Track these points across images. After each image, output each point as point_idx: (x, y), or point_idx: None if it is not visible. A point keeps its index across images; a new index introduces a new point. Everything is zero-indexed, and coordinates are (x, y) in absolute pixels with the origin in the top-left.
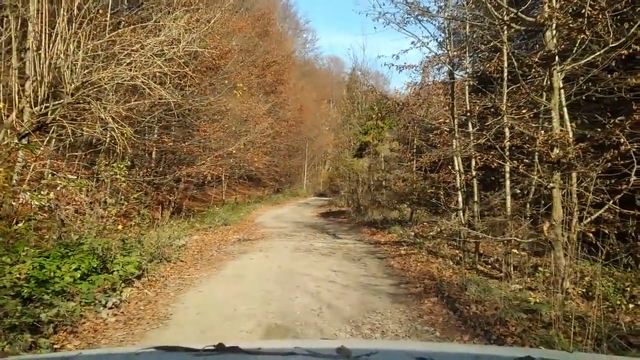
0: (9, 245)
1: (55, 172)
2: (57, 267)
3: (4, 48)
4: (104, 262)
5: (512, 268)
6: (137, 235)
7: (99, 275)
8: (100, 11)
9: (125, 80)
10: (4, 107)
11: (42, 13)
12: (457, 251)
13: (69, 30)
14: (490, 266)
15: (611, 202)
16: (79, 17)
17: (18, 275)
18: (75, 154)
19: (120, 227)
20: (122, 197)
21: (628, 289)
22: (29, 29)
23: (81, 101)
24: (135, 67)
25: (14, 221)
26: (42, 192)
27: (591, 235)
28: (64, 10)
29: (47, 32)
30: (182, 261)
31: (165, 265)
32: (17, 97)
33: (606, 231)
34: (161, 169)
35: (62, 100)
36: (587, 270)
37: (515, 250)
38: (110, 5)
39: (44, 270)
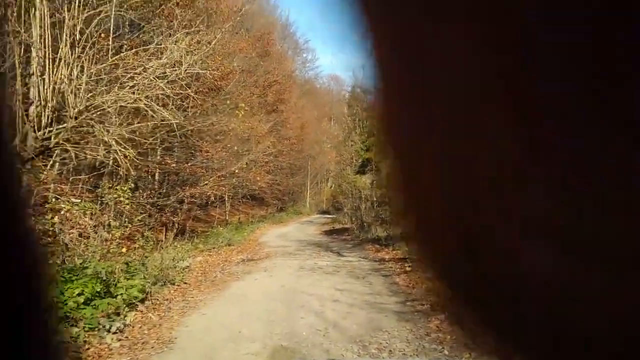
0: None
1: (59, 196)
2: (61, 293)
3: (9, 74)
4: (108, 286)
5: None
6: (141, 257)
7: (103, 300)
8: (103, 35)
9: (128, 103)
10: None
11: (45, 38)
12: None
13: (72, 54)
14: None
15: None
16: (82, 42)
17: None
18: (79, 177)
19: (124, 249)
20: (126, 219)
21: None
22: (32, 54)
23: (84, 124)
24: (138, 89)
25: None
26: (46, 217)
27: None
28: (66, 35)
29: (50, 57)
30: (185, 283)
31: (169, 287)
32: (20, 122)
33: None
34: (164, 191)
35: (65, 124)
36: None
37: None
38: (112, 29)
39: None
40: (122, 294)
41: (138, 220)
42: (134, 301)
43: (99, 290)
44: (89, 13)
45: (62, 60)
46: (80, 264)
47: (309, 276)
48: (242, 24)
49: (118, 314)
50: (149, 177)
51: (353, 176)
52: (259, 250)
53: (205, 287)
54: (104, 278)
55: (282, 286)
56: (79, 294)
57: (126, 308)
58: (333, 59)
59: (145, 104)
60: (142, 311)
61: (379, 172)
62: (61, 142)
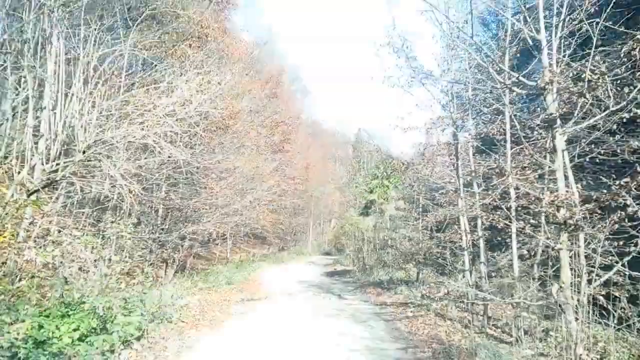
0: (9, 304)
1: (61, 229)
2: (57, 327)
3: (21, 107)
4: (104, 322)
5: (522, 332)
6: (139, 294)
7: (98, 336)
8: (115, 72)
9: (136, 139)
10: (16, 164)
11: (58, 74)
12: (465, 314)
13: (84, 90)
14: (500, 330)
15: (620, 264)
16: (95, 78)
17: (16, 336)
18: (83, 210)
19: (123, 285)
20: (127, 254)
21: None
22: (45, 89)
23: (92, 159)
24: (147, 126)
25: (17, 278)
26: (47, 249)
27: (602, 298)
28: (80, 72)
29: (63, 92)
30: (183, 322)
31: (166, 325)
32: (29, 154)
33: (617, 294)
34: (167, 227)
35: (73, 158)
36: (600, 335)
37: (525, 314)
38: (125, 67)
39: (43, 330)
40: (118, 330)
41: (139, 255)
42: (129, 339)
43: (95, 326)
44: (103, 51)
45: (75, 96)
46: (79, 298)
47: (309, 318)
48: (252, 66)
49: (112, 352)
50: (152, 212)
51: (356, 217)
52: (259, 290)
53: (203, 326)
54: (101, 314)
55: (281, 327)
56: (74, 330)
57: (121, 346)
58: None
59: (153, 140)
60: (137, 349)
61: (382, 214)
62: (68, 175)
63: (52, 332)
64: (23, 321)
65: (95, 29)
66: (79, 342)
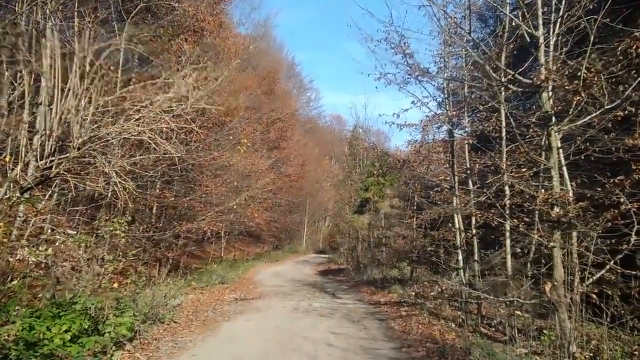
0: (0, 304)
1: (55, 227)
2: (48, 329)
3: (17, 102)
4: (96, 322)
5: (516, 331)
6: (132, 294)
7: (90, 337)
8: (112, 68)
9: (132, 135)
10: (9, 161)
11: (55, 69)
12: (459, 312)
13: (80, 85)
14: (493, 328)
15: (612, 262)
16: (91, 73)
17: (6, 337)
18: (76, 208)
19: (115, 285)
20: (120, 253)
21: (636, 352)
22: (42, 84)
23: (87, 155)
24: (143, 122)
25: (9, 278)
26: (40, 248)
27: (594, 296)
28: (76, 67)
29: (59, 87)
30: (176, 322)
31: (158, 326)
32: (24, 150)
33: (610, 292)
34: (161, 225)
35: (67, 154)
36: (594, 333)
37: (518, 312)
38: (121, 62)
39: (34, 331)
40: (110, 331)
41: (132, 254)
42: (121, 340)
43: (86, 327)
44: (99, 46)
45: (71, 91)
46: (70, 298)
47: (303, 318)
48: (249, 62)
49: (104, 353)
50: (147, 210)
51: (351, 216)
52: (253, 289)
53: (196, 327)
54: (93, 314)
55: (275, 327)
56: (66, 331)
57: (113, 347)
58: (336, 98)
59: (149, 137)
60: (129, 350)
61: (377, 212)
62: (62, 172)
63: (43, 334)
64: (14, 322)
65: (89, 22)
66: (70, 344)
